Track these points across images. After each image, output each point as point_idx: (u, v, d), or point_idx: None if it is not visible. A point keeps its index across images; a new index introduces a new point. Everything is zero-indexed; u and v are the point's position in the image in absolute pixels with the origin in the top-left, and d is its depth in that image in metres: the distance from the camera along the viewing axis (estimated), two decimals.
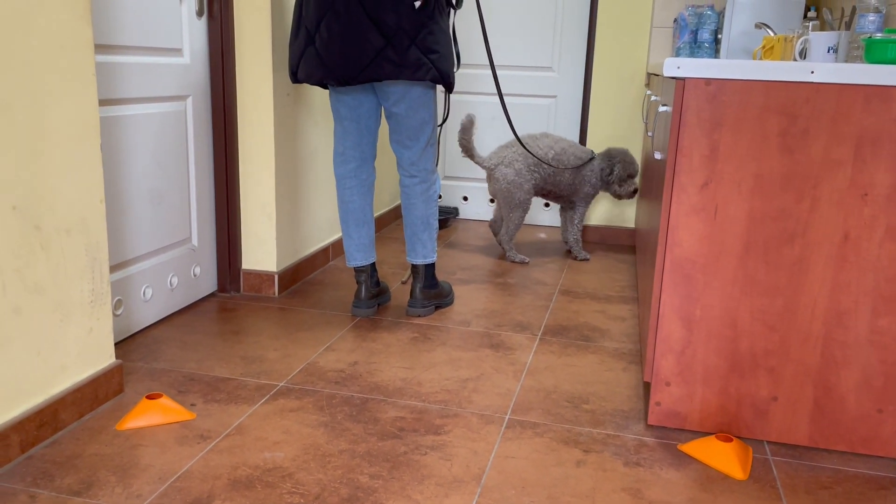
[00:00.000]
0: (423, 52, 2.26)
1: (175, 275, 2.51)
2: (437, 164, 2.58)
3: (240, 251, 2.78)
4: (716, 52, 3.17)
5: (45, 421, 1.68)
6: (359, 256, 2.56)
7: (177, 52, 2.40)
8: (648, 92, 3.22)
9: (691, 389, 1.82)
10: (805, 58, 2.15)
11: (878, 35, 1.71)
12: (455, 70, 2.44)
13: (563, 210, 3.52)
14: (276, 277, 2.77)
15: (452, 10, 2.41)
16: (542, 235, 3.96)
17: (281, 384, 2.03)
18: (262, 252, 2.77)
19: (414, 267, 2.60)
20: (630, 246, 3.82)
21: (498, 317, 2.64)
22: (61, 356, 1.73)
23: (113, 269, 2.21)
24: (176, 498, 1.49)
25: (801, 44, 2.15)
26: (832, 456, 1.77)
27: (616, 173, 3.35)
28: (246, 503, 1.49)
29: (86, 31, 1.71)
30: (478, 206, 4.28)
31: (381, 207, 3.97)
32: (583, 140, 3.84)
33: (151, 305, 2.41)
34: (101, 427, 1.77)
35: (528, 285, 3.04)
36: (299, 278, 2.96)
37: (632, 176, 3.37)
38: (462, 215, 4.31)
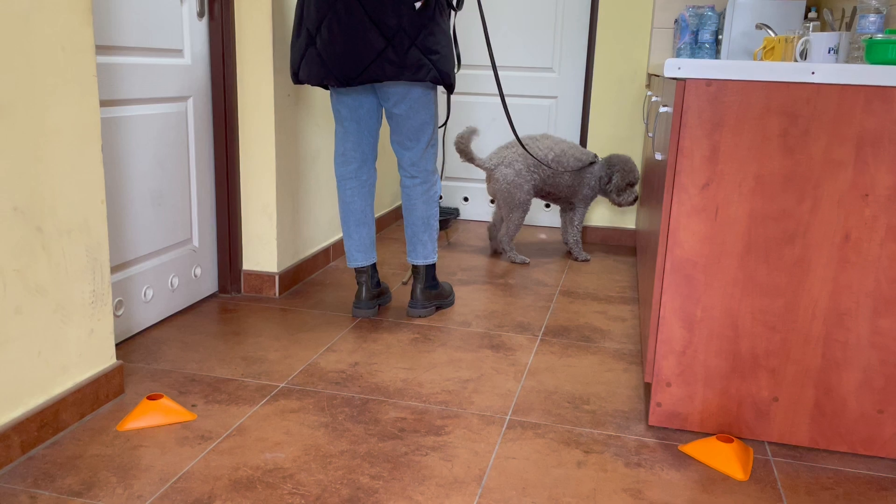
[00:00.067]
0: (423, 52, 2.26)
1: (176, 275, 2.51)
2: (440, 165, 2.58)
3: (240, 252, 2.78)
4: (716, 53, 3.17)
5: (46, 421, 1.68)
6: (359, 257, 2.57)
7: (178, 53, 2.40)
8: (649, 93, 3.22)
9: (692, 390, 1.82)
10: (806, 58, 2.15)
11: (879, 36, 1.71)
12: (456, 71, 2.44)
13: (563, 211, 3.52)
14: (277, 278, 2.77)
15: (453, 12, 2.41)
16: (543, 236, 3.96)
17: (282, 385, 2.03)
18: (262, 253, 2.77)
19: (414, 268, 2.60)
20: (631, 247, 3.82)
21: (499, 317, 2.64)
22: (62, 357, 1.73)
23: (114, 269, 2.21)
24: (177, 499, 1.49)
25: (802, 44, 2.15)
26: (833, 457, 1.77)
27: (614, 182, 3.36)
28: None
29: (87, 32, 1.71)
30: (478, 207, 4.28)
31: (381, 208, 3.97)
32: (583, 141, 3.84)
33: (152, 306, 2.41)
34: (101, 428, 1.77)
35: (529, 286, 3.04)
36: (300, 279, 2.96)
37: (632, 184, 3.37)
38: (463, 216, 4.31)
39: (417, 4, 2.22)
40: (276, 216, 2.73)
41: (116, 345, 2.26)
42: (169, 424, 1.79)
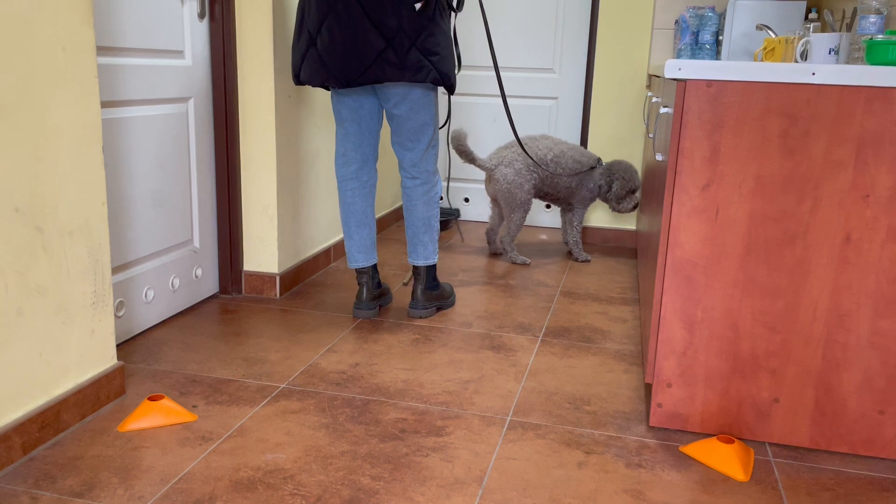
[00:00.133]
0: (423, 54, 2.26)
1: (177, 276, 2.51)
2: (446, 167, 2.58)
3: (241, 253, 2.78)
4: (717, 54, 3.17)
5: (47, 422, 1.68)
6: (360, 258, 2.57)
7: (178, 54, 2.40)
8: (649, 93, 3.22)
9: (693, 391, 1.82)
10: (806, 59, 2.15)
11: (880, 36, 1.71)
12: (456, 72, 2.44)
13: (563, 212, 3.52)
14: (278, 279, 2.77)
15: (453, 13, 2.42)
16: (544, 237, 3.96)
17: (282, 386, 2.04)
18: (263, 254, 2.77)
19: (415, 268, 2.60)
20: (631, 248, 3.82)
21: (499, 318, 2.64)
22: (63, 358, 1.73)
23: (115, 270, 2.21)
24: (178, 499, 1.50)
25: (802, 45, 2.15)
26: (833, 457, 1.77)
27: (614, 190, 3.36)
28: None
29: (88, 34, 1.71)
30: (479, 208, 4.28)
31: (382, 209, 3.98)
32: (584, 142, 3.84)
33: (153, 307, 2.41)
34: (102, 428, 1.77)
35: (530, 287, 3.04)
36: (301, 280, 2.96)
37: (632, 191, 3.37)
38: (463, 217, 4.31)
39: (417, 6, 2.22)
40: (276, 217, 2.73)
41: (117, 345, 2.27)
42: (170, 425, 1.80)
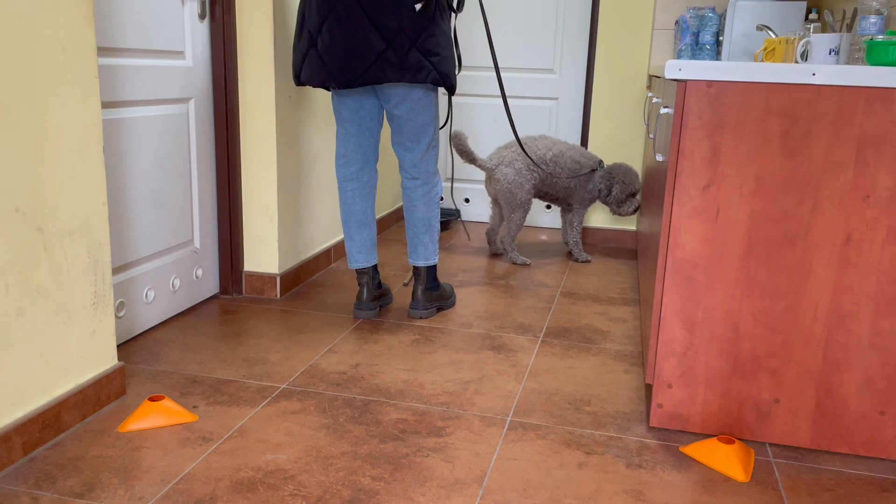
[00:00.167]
0: (423, 54, 2.26)
1: (177, 277, 2.51)
2: (450, 167, 2.58)
3: (242, 253, 2.78)
4: (717, 55, 3.17)
5: (48, 423, 1.68)
6: (360, 258, 2.57)
7: (179, 54, 2.40)
8: (650, 94, 3.22)
9: (693, 391, 1.82)
10: (806, 60, 2.15)
11: (880, 37, 1.71)
12: (457, 73, 2.44)
13: (563, 212, 3.52)
14: (278, 279, 2.77)
15: (453, 14, 2.42)
16: (544, 237, 3.96)
17: (283, 386, 2.04)
18: (264, 254, 2.77)
19: (416, 269, 2.60)
20: (631, 248, 3.82)
21: (499, 319, 2.64)
22: (64, 358, 1.73)
23: (115, 271, 2.21)
24: (178, 500, 1.50)
25: (803, 46, 2.15)
26: (834, 458, 1.76)
27: (614, 194, 3.37)
28: None
29: (88, 34, 1.71)
30: (480, 209, 4.28)
31: (382, 209, 3.98)
32: (584, 142, 3.84)
33: (154, 307, 2.41)
34: (103, 429, 1.77)
35: (530, 287, 3.04)
36: (301, 280, 2.96)
37: (633, 195, 3.38)
38: (464, 217, 4.31)
39: (417, 6, 2.22)
40: (277, 217, 2.73)
41: (118, 346, 2.27)
42: (170, 426, 1.80)
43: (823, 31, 2.79)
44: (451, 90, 2.41)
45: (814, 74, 1.59)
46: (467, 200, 3.91)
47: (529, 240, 3.89)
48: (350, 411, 1.90)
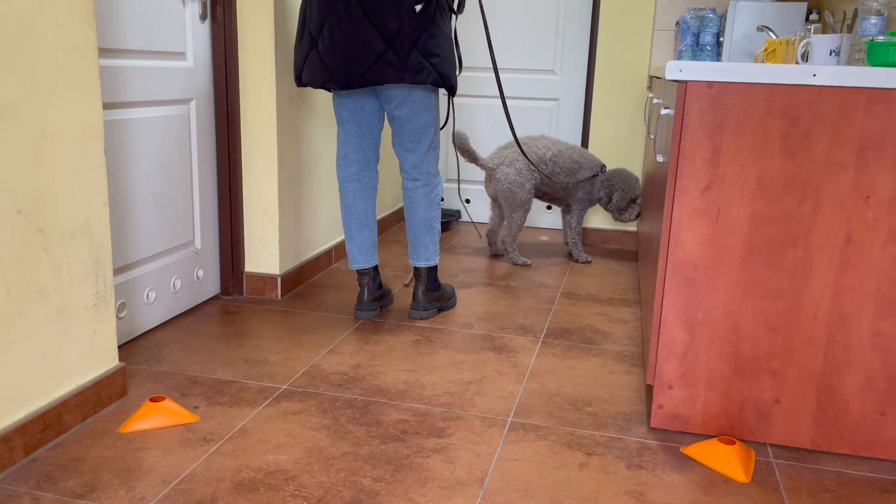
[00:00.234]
0: (423, 55, 2.27)
1: (178, 278, 2.51)
2: (455, 168, 2.58)
3: (243, 254, 2.78)
4: (718, 55, 3.17)
5: (49, 424, 1.69)
6: (361, 259, 2.57)
7: (180, 55, 2.41)
8: (650, 95, 3.22)
9: (694, 392, 1.82)
10: (807, 61, 2.15)
11: (880, 38, 1.71)
12: (457, 73, 2.44)
13: (563, 213, 3.53)
14: (279, 280, 2.78)
15: (454, 15, 2.42)
16: (545, 238, 3.96)
17: (284, 387, 2.04)
18: (264, 255, 2.78)
19: (416, 270, 2.60)
20: (632, 249, 3.82)
21: (500, 319, 2.64)
22: (65, 359, 1.74)
23: (116, 272, 2.21)
24: (179, 501, 1.50)
25: (803, 47, 2.15)
26: (835, 459, 1.76)
27: (614, 202, 3.38)
28: None
29: (89, 35, 1.72)
30: (480, 209, 4.28)
31: (383, 210, 3.98)
32: (585, 143, 3.84)
33: (155, 308, 2.41)
34: (104, 430, 1.77)
35: (531, 288, 3.04)
36: (302, 281, 2.97)
37: (633, 201, 3.39)
38: (464, 218, 4.31)
39: (417, 7, 2.23)
40: (278, 218, 2.74)
41: (119, 347, 2.27)
42: (171, 426, 1.80)
43: (824, 31, 2.79)
44: (452, 91, 2.41)
45: (814, 75, 1.59)
46: (468, 201, 3.92)
47: (530, 240, 3.89)
48: (351, 412, 1.90)
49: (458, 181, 2.95)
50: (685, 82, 1.68)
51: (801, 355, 1.73)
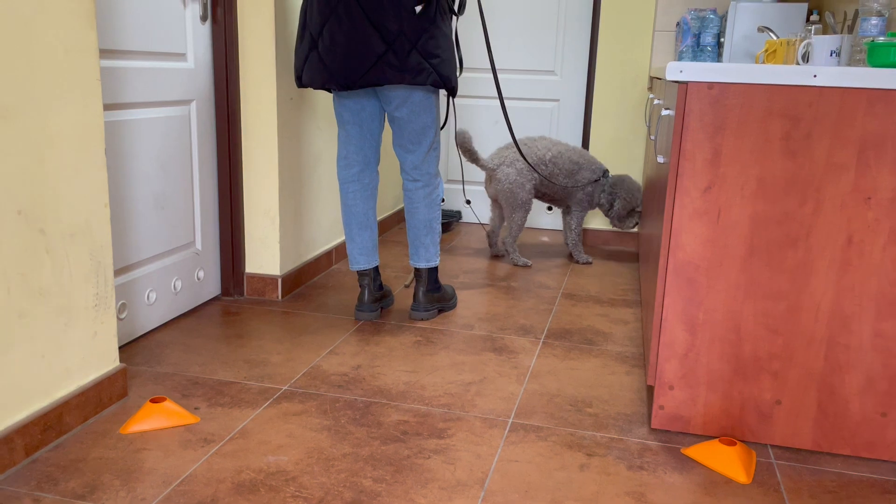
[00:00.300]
0: (424, 56, 2.27)
1: (179, 278, 2.51)
2: (460, 169, 2.58)
3: (243, 255, 2.78)
4: (718, 56, 3.17)
5: (50, 425, 1.69)
6: (362, 260, 2.57)
7: (181, 56, 2.41)
8: (651, 95, 3.22)
9: (695, 393, 1.82)
10: (808, 61, 2.15)
11: (881, 38, 1.71)
12: (458, 74, 2.44)
13: (563, 214, 3.53)
14: (280, 281, 2.78)
15: (455, 16, 2.42)
16: (545, 239, 3.96)
17: (284, 388, 2.04)
18: (265, 256, 2.78)
19: (417, 271, 2.60)
20: (633, 250, 3.82)
21: (501, 320, 2.64)
22: (66, 360, 1.74)
23: (117, 273, 2.21)
24: (180, 501, 1.50)
25: (804, 47, 2.15)
26: (836, 460, 1.76)
27: (616, 209, 3.39)
28: None
29: (90, 36, 1.72)
30: (481, 210, 4.28)
31: (384, 211, 3.98)
32: (585, 144, 3.84)
33: (155, 309, 2.41)
34: (105, 431, 1.77)
35: (531, 289, 3.04)
36: (302, 282, 2.97)
37: (634, 210, 3.40)
38: (464, 219, 4.31)
39: (417, 8, 2.23)
40: (278, 219, 2.74)
41: (119, 348, 2.27)
42: (172, 427, 1.80)
43: (825, 32, 2.79)
44: (452, 92, 2.41)
45: (815, 76, 1.59)
46: (468, 202, 3.90)
47: (531, 241, 3.89)
48: (351, 413, 1.90)
49: (463, 182, 2.95)
50: (686, 83, 1.68)
51: (802, 356, 1.73)
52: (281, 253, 2.78)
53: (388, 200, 4.05)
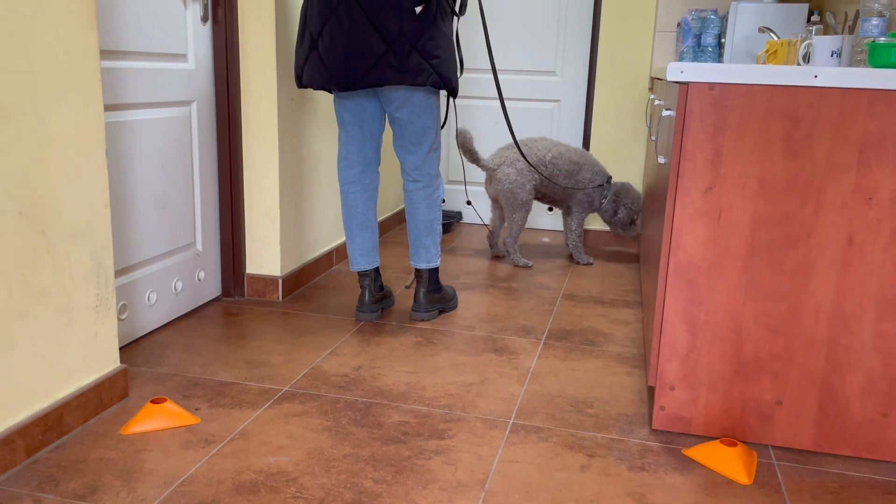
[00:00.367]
0: (424, 57, 2.27)
1: (179, 279, 2.51)
2: (461, 170, 2.58)
3: (244, 255, 2.78)
4: (719, 57, 3.17)
5: (51, 425, 1.69)
6: (362, 261, 2.57)
7: (182, 57, 2.41)
8: (652, 96, 3.22)
9: (695, 394, 1.82)
10: (808, 62, 2.15)
11: (882, 39, 1.71)
12: (459, 75, 2.44)
13: (564, 214, 3.53)
14: (280, 282, 2.78)
15: (455, 17, 2.42)
16: (546, 239, 3.96)
17: (285, 388, 2.04)
18: (266, 256, 2.78)
19: (418, 271, 2.60)
20: (633, 251, 3.82)
21: (502, 321, 2.64)
22: (66, 361, 1.74)
23: (118, 273, 2.21)
24: (180, 502, 1.50)
25: (805, 48, 2.15)
26: (837, 461, 1.76)
27: (619, 217, 3.40)
28: None
29: (91, 37, 1.72)
30: (481, 210, 4.28)
31: (384, 212, 3.98)
32: (586, 144, 3.84)
33: (156, 310, 2.41)
34: (105, 431, 1.77)
35: (532, 289, 3.04)
36: (303, 283, 2.97)
37: (635, 220, 3.42)
38: (465, 219, 4.31)
39: (418, 9, 2.23)
40: (279, 220, 2.74)
41: (120, 348, 2.27)
42: (172, 428, 1.80)
43: (825, 33, 2.79)
44: (453, 93, 2.41)
45: (816, 76, 1.59)
46: (469, 203, 3.93)
47: (531, 242, 3.89)
48: (352, 413, 1.90)
49: (465, 183, 2.96)
50: (686, 83, 1.68)
51: (803, 357, 1.73)
52: (281, 254, 2.78)
53: (389, 201, 4.05)
